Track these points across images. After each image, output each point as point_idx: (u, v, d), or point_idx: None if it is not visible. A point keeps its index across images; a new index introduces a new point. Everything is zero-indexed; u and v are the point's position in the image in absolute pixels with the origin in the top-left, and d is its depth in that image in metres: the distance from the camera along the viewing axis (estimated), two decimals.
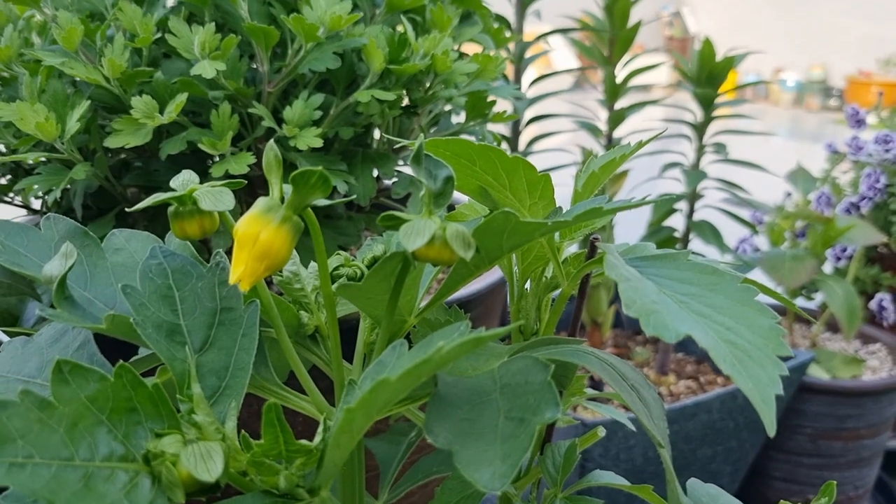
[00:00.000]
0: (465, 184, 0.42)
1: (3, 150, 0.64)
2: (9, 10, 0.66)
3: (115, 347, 0.41)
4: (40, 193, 0.69)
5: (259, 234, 0.33)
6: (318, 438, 0.34)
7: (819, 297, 1.42)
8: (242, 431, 0.33)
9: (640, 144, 0.47)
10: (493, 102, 0.69)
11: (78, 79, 0.60)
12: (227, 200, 0.37)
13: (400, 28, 0.65)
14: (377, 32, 0.60)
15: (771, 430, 0.29)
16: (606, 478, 0.46)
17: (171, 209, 0.39)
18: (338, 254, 0.48)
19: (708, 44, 1.05)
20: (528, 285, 0.47)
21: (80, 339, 0.42)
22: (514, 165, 0.40)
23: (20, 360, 0.42)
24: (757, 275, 1.36)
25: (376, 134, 0.70)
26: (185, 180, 0.39)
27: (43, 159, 0.63)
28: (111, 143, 0.55)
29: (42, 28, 0.65)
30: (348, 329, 0.46)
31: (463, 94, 0.64)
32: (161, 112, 0.55)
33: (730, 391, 1.05)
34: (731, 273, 0.36)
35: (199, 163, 0.62)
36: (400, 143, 0.46)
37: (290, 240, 0.34)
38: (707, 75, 1.06)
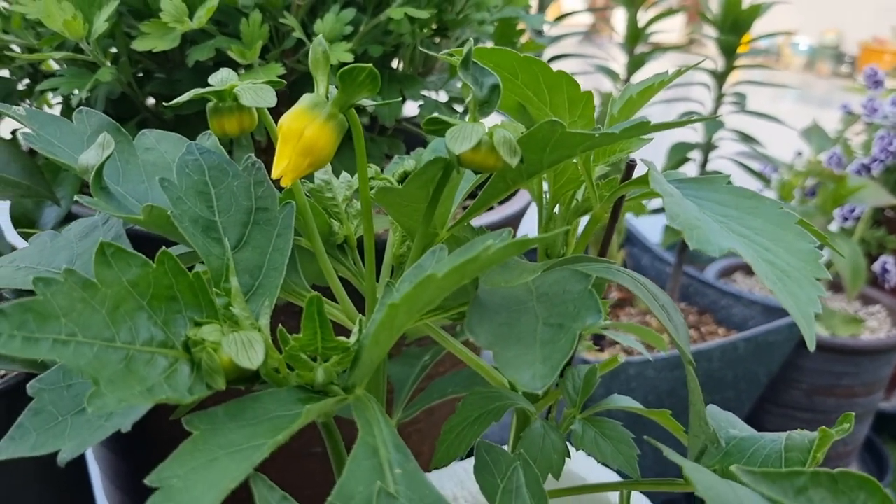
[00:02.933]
0: (504, 100, 0.42)
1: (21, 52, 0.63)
2: None
3: (141, 250, 0.41)
4: (59, 100, 0.68)
5: (304, 129, 0.33)
6: (353, 338, 0.34)
7: (824, 257, 1.43)
8: (279, 325, 0.33)
9: (679, 72, 0.46)
10: (522, 31, 0.68)
11: None
12: (268, 97, 0.36)
13: None
14: None
15: (811, 345, 0.29)
16: (624, 402, 0.46)
17: (210, 105, 0.38)
18: (368, 166, 0.47)
19: None
20: (556, 210, 0.47)
21: (111, 235, 0.42)
22: (558, 80, 0.39)
23: (49, 253, 0.42)
24: None
25: (395, 65, 0.69)
26: (223, 78, 0.39)
27: (64, 67, 0.62)
28: (138, 45, 0.54)
29: None
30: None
31: (494, 20, 0.63)
32: (191, 17, 0.54)
33: (731, 342, 1.06)
34: (770, 198, 0.36)
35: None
36: (438, 56, 0.46)
37: (335, 138, 0.34)
38: (731, 22, 1.04)
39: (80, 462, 0.70)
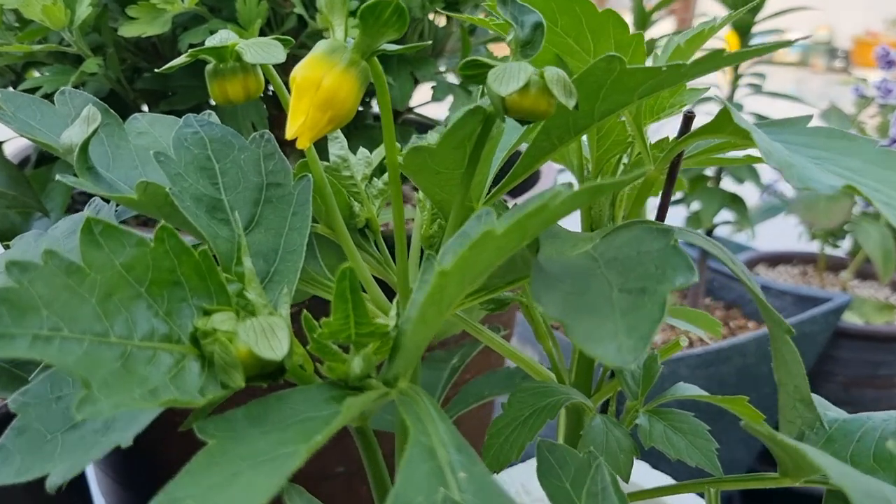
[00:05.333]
0: (540, 52, 0.37)
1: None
2: None
3: None
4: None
5: (322, 79, 0.28)
6: (391, 322, 0.28)
7: (846, 245, 1.38)
8: (304, 311, 0.28)
9: (729, 17, 0.42)
10: None
11: None
12: (276, 53, 0.31)
13: None
14: None
15: None
16: (691, 391, 0.41)
17: (209, 67, 0.33)
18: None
19: None
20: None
21: None
22: (603, 22, 0.35)
23: (34, 254, 0.37)
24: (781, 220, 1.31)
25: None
26: (222, 38, 0.34)
27: (45, 73, 0.57)
28: (126, 31, 0.50)
29: None
30: (390, 236, 0.41)
31: None
32: None
33: (766, 334, 1.00)
34: (863, 137, 0.31)
35: None
36: (468, 18, 0.41)
37: (358, 87, 0.29)
38: (745, 1, 1.00)
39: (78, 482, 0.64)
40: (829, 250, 1.34)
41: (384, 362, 0.29)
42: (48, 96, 0.58)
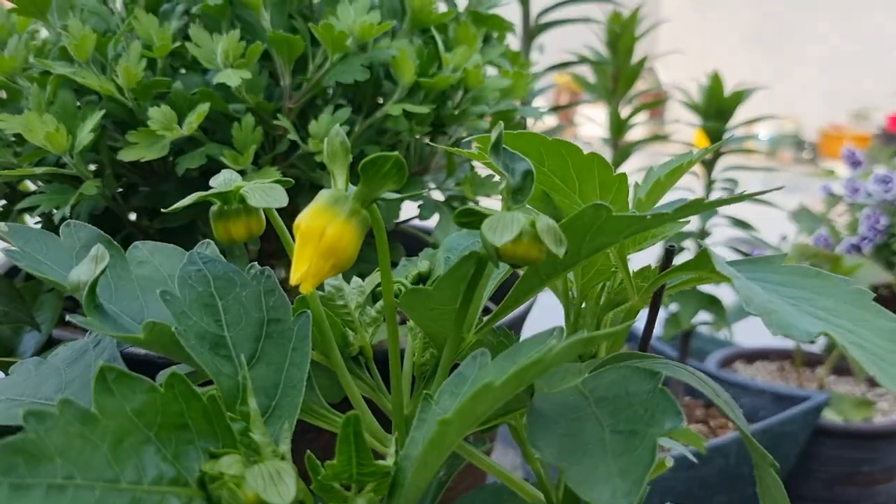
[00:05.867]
0: None
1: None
2: (10, 24, 0.62)
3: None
4: (37, 219, 0.65)
5: (325, 228, 0.30)
6: (390, 460, 0.29)
7: (822, 340, 1.40)
8: (308, 452, 0.29)
9: (707, 150, 0.44)
10: (522, 123, 0.66)
11: (86, 96, 0.57)
12: (279, 197, 0.33)
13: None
14: (406, 45, 0.57)
15: None
16: None
17: (214, 209, 0.35)
18: (377, 271, 0.44)
19: (716, 78, 1.04)
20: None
21: (103, 359, 0.38)
22: (589, 164, 0.37)
23: (35, 382, 0.38)
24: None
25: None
26: (226, 179, 0.35)
27: (45, 182, 0.59)
28: (125, 156, 0.51)
29: (39, 51, 0.61)
30: (383, 359, 0.42)
31: (491, 113, 0.61)
32: (180, 124, 0.52)
33: None
34: (836, 276, 0.33)
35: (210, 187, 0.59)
36: (459, 152, 0.43)
37: (359, 236, 0.30)
38: (715, 110, 1.04)
39: None
40: (805, 346, 1.36)
41: (385, 497, 0.30)
42: (45, 215, 0.60)
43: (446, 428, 0.25)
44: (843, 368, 1.36)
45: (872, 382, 1.33)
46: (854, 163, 1.50)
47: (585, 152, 0.36)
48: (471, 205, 0.31)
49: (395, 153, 0.29)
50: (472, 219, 0.31)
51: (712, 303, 1.09)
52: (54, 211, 0.56)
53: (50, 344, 0.60)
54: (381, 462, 0.28)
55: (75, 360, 0.38)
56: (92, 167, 0.60)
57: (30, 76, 0.56)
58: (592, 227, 0.32)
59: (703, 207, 0.31)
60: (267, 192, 0.33)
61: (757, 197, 1.00)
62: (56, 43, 0.60)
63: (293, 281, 0.30)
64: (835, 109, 6.17)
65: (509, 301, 0.37)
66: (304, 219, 0.30)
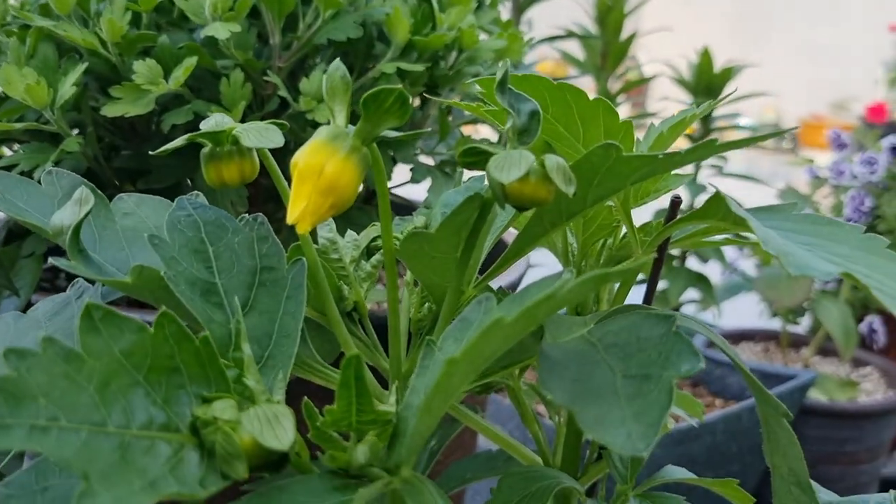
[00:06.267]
0: None
1: None
2: None
3: None
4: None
5: (324, 165, 0.28)
6: (390, 407, 0.28)
7: (806, 322, 1.40)
8: (305, 398, 0.27)
9: (711, 105, 0.43)
10: None
11: (67, 53, 0.55)
12: (275, 137, 0.32)
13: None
14: (399, 3, 0.55)
15: None
16: (680, 474, 0.41)
17: (205, 151, 0.33)
18: (373, 225, 0.42)
19: (706, 55, 1.03)
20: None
21: None
22: (594, 110, 0.35)
23: (14, 336, 0.36)
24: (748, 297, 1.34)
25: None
26: (218, 122, 0.34)
27: (23, 143, 0.57)
28: (109, 111, 0.50)
29: (19, 9, 0.59)
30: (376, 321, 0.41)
31: (487, 75, 0.60)
32: (166, 79, 0.50)
33: (734, 412, 1.01)
34: (848, 224, 0.32)
35: (198, 146, 0.57)
36: (456, 104, 0.42)
37: (359, 174, 0.29)
38: (705, 86, 1.03)
39: None
40: (790, 327, 1.36)
41: (385, 446, 0.28)
42: (25, 174, 0.58)
43: (454, 368, 0.24)
44: (827, 349, 1.36)
45: (857, 363, 1.33)
46: (840, 145, 1.50)
47: (591, 97, 0.35)
48: (474, 144, 0.30)
49: (399, 86, 0.28)
50: (478, 158, 0.30)
51: (700, 280, 1.08)
52: (35, 172, 0.54)
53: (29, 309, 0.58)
54: (382, 408, 0.27)
55: (57, 312, 0.37)
56: (73, 128, 0.58)
57: (9, 31, 0.54)
58: (602, 169, 0.30)
59: (715, 149, 0.30)
60: (261, 133, 0.32)
61: (745, 175, 0.99)
62: (36, 1, 0.58)
63: (290, 219, 0.28)
64: (815, 99, 6.20)
65: (511, 252, 0.36)
66: (302, 155, 0.29)
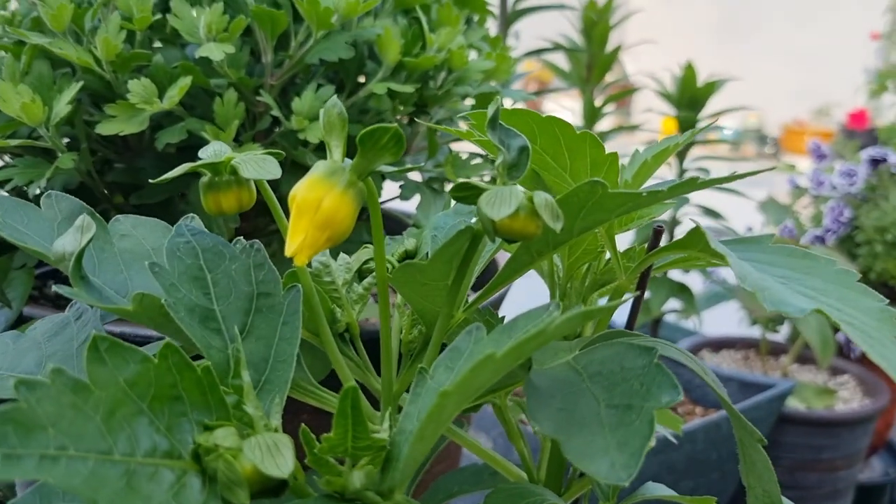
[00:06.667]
0: None
1: None
2: None
3: None
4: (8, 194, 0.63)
5: (321, 200, 0.29)
6: (383, 434, 0.29)
7: (785, 330, 1.42)
8: (302, 425, 0.28)
9: (695, 132, 0.44)
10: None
11: (60, 69, 0.56)
12: (272, 168, 0.33)
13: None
14: (390, 24, 0.56)
15: None
16: (660, 490, 0.42)
17: (204, 180, 0.34)
18: (365, 247, 0.44)
19: (690, 69, 1.05)
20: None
21: (85, 332, 0.37)
22: (580, 142, 0.37)
23: (14, 356, 0.37)
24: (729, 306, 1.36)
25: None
26: (216, 150, 0.35)
27: (15, 157, 0.57)
28: (104, 129, 0.50)
29: (9, 22, 0.60)
30: (367, 337, 0.42)
31: (475, 95, 0.61)
32: (160, 98, 0.51)
33: (714, 421, 1.02)
34: (823, 256, 0.34)
35: (190, 159, 0.58)
36: (446, 129, 0.43)
37: (355, 208, 0.30)
38: (689, 99, 1.05)
39: None
40: (769, 336, 1.38)
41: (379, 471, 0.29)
42: (18, 189, 0.59)
43: (446, 400, 0.25)
44: (805, 358, 1.38)
45: (834, 371, 1.35)
46: (819, 156, 1.52)
47: (577, 130, 0.36)
48: (466, 179, 0.31)
49: (394, 125, 0.29)
50: (469, 193, 0.31)
51: (682, 290, 1.10)
52: (27, 187, 0.54)
53: (20, 321, 0.59)
54: (377, 435, 0.28)
55: (56, 333, 0.38)
56: (66, 142, 0.59)
57: (3, 45, 0.55)
58: (587, 204, 0.32)
59: (697, 186, 0.32)
60: (259, 164, 0.33)
61: (726, 186, 1.01)
62: (27, 15, 0.58)
63: (288, 252, 0.29)
64: (797, 105, 6.26)
65: (499, 279, 0.37)
66: (300, 190, 0.30)
